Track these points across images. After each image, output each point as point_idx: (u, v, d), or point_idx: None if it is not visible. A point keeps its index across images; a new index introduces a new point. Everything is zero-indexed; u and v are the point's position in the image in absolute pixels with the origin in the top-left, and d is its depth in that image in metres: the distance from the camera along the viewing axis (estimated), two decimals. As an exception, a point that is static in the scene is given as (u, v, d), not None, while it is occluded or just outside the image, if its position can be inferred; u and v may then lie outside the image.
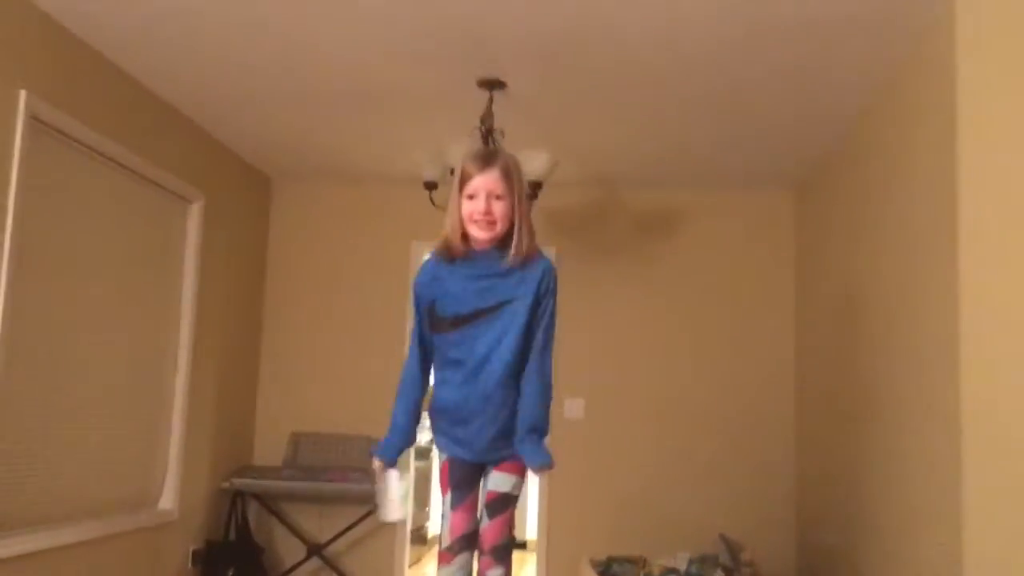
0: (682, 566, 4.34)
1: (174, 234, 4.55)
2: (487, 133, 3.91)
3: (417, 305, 2.60)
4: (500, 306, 2.51)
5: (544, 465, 2.53)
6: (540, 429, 2.54)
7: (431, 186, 4.20)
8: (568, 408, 5.30)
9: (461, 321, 2.52)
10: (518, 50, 3.61)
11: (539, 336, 2.53)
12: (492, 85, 3.91)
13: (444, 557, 2.53)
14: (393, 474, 2.67)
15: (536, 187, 4.06)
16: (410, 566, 5.57)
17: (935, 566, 3.06)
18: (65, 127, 3.52)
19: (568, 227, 5.48)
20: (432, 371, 2.63)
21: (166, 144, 4.36)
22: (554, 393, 2.60)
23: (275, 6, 3.31)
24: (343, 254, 5.60)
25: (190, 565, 4.71)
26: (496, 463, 2.56)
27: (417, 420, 2.63)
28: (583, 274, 5.37)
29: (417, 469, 5.50)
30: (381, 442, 2.63)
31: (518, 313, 2.50)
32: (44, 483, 3.54)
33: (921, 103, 3.33)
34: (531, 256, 2.52)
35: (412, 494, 4.93)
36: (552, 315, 2.55)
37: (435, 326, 2.56)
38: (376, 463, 2.64)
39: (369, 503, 5.11)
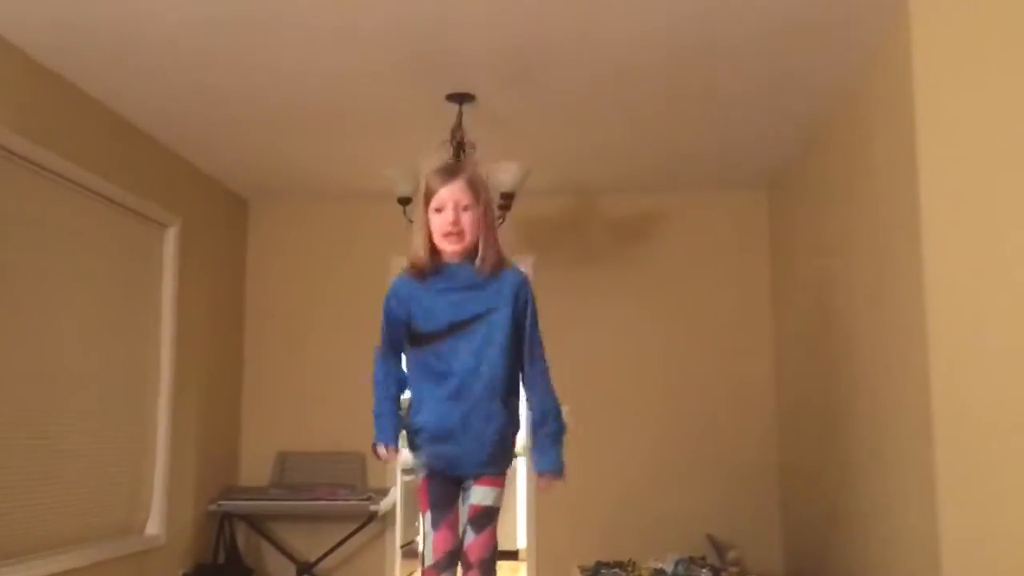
0: (669, 568, 4.38)
1: (151, 259, 4.56)
2: (458, 146, 3.95)
3: (387, 321, 2.59)
4: (476, 319, 2.50)
5: (553, 472, 2.58)
6: (557, 428, 2.59)
7: (405, 201, 4.23)
8: (552, 416, 5.32)
9: (438, 336, 2.51)
10: (485, 63, 3.65)
11: (529, 347, 2.55)
12: (461, 99, 3.95)
13: (429, 575, 2.54)
14: (404, 453, 2.66)
15: (509, 198, 4.10)
16: (401, 581, 5.57)
17: (914, 557, 3.11)
18: (37, 158, 3.53)
19: (544, 235, 5.52)
20: (410, 389, 2.62)
21: (140, 170, 4.37)
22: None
23: (243, 32, 3.34)
24: (322, 271, 5.62)
25: (180, 589, 4.71)
26: (478, 476, 2.55)
27: (398, 407, 2.63)
28: (561, 281, 5.40)
29: (404, 484, 5.51)
30: (376, 433, 2.61)
31: (496, 326, 2.50)
32: (29, 513, 3.54)
33: (882, 104, 3.39)
34: (501, 266, 2.54)
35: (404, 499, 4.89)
36: (536, 325, 2.58)
37: (412, 342, 2.56)
38: (382, 451, 2.61)
39: (359, 518, 5.13)
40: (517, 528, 7.27)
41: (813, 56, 3.56)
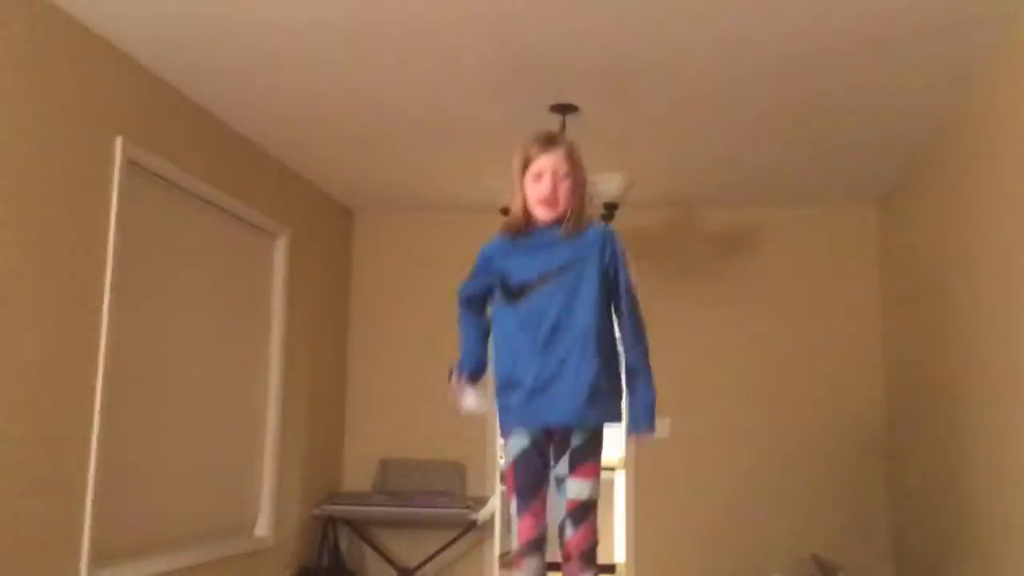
0: (774, 588, 4.27)
1: (262, 267, 4.71)
2: (561, 158, 3.95)
3: (476, 272, 2.74)
4: (565, 268, 2.58)
5: (645, 431, 2.60)
6: (646, 399, 2.60)
7: (508, 212, 4.24)
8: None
9: (529, 287, 2.60)
10: (588, 75, 3.65)
11: (623, 301, 2.60)
12: (564, 110, 3.96)
13: (515, 561, 2.59)
14: (471, 390, 2.69)
15: (612, 208, 4.08)
16: (500, 590, 5.59)
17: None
18: (159, 169, 3.70)
19: (646, 248, 5.48)
20: (502, 344, 2.65)
21: (253, 181, 4.52)
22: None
23: (350, 48, 3.42)
24: (424, 281, 5.69)
25: (285, 590, 4.83)
26: (573, 467, 2.56)
27: (485, 346, 2.74)
28: (663, 294, 5.35)
29: (503, 494, 5.52)
30: (458, 364, 2.72)
31: (585, 275, 2.57)
32: (144, 512, 3.69)
33: (1005, 110, 3.25)
34: (587, 224, 2.62)
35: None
36: (626, 278, 2.63)
37: (505, 296, 2.64)
38: (454, 380, 2.69)
39: (458, 527, 5.17)
40: (615, 542, 7.20)
41: (928, 64, 3.44)
